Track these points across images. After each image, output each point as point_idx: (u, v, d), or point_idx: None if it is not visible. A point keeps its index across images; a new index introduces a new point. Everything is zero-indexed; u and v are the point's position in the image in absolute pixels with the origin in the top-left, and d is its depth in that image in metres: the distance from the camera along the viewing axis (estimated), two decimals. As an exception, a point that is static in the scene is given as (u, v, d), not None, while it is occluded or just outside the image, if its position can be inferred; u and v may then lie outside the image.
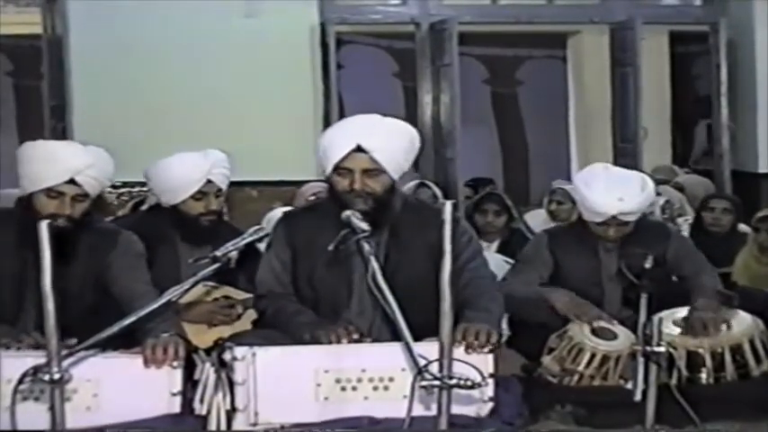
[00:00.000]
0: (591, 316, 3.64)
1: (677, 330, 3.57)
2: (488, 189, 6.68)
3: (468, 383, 2.45)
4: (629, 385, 3.28)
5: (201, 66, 6.77)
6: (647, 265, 3.34)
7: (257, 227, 3.54)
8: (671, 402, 3.21)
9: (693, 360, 3.49)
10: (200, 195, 3.74)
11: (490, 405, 3.05)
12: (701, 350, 3.50)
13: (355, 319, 3.29)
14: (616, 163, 6.64)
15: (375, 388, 3.03)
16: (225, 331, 3.62)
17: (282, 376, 3.01)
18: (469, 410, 3.01)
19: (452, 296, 2.44)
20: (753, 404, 3.38)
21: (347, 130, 3.33)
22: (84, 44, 6.72)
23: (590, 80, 8.41)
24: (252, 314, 3.65)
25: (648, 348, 2.99)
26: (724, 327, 3.57)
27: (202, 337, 3.58)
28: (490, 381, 3.03)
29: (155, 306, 2.80)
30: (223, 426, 2.99)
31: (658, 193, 5.68)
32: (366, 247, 2.84)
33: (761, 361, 3.53)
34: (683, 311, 3.66)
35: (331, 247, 3.02)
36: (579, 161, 8.50)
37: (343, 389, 3.03)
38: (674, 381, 3.37)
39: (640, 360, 3.04)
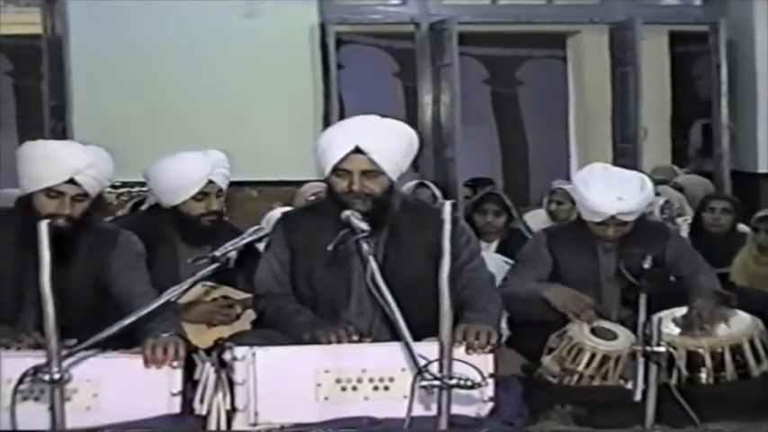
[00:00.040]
0: (586, 312, 3.63)
1: (677, 330, 3.57)
2: (487, 189, 6.68)
3: (468, 383, 2.45)
4: (629, 385, 3.28)
5: (201, 66, 6.77)
6: (646, 265, 3.34)
7: (257, 227, 3.54)
8: (671, 402, 3.20)
9: (693, 360, 3.49)
10: (201, 196, 3.74)
11: (490, 405, 3.06)
12: (700, 350, 3.50)
13: (354, 320, 3.29)
14: (616, 163, 6.64)
15: (375, 388, 3.03)
16: (224, 331, 3.62)
17: (282, 376, 3.01)
18: (469, 410, 3.01)
19: (452, 296, 2.44)
20: (753, 404, 3.37)
21: (346, 132, 3.33)
22: (84, 44, 6.72)
23: (590, 80, 8.41)
24: (251, 314, 3.65)
25: (648, 348, 2.99)
26: (723, 325, 3.58)
27: (202, 337, 3.58)
28: (490, 381, 3.03)
29: (154, 306, 2.80)
30: (223, 426, 2.99)
31: (658, 194, 5.69)
32: (365, 246, 2.84)
33: (761, 361, 3.53)
34: (682, 311, 3.66)
35: (330, 248, 3.02)
36: (579, 161, 8.49)
37: (344, 389, 3.03)
38: (673, 381, 3.37)
39: (640, 360, 3.04)
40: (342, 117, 6.72)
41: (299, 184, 5.76)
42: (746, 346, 3.52)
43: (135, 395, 2.97)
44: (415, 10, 7.55)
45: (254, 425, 2.99)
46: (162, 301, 2.83)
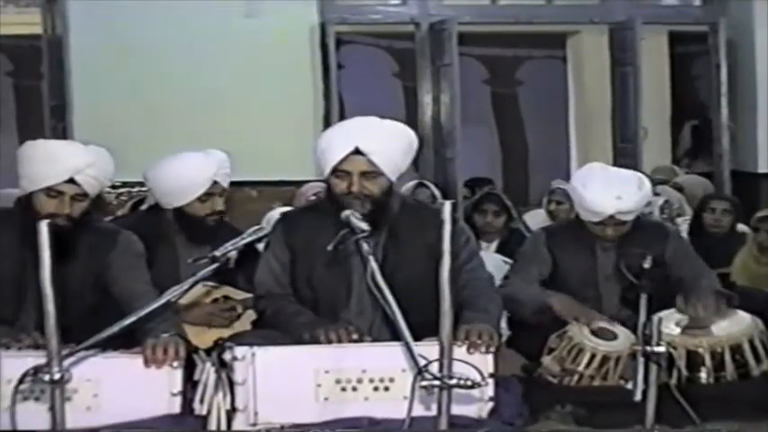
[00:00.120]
0: (589, 319, 3.64)
1: (677, 330, 3.57)
2: (487, 189, 6.68)
3: (468, 383, 2.45)
4: (629, 385, 3.27)
5: (201, 66, 6.77)
6: (646, 265, 3.34)
7: (257, 227, 3.54)
8: (671, 402, 3.20)
9: (693, 360, 3.49)
10: (206, 197, 3.74)
11: (490, 405, 3.06)
12: (700, 350, 3.50)
13: (354, 320, 3.29)
14: (616, 163, 6.66)
15: (375, 388, 3.03)
16: (225, 331, 3.62)
17: (282, 376, 3.01)
18: (469, 410, 3.02)
19: (452, 296, 2.44)
20: (753, 404, 3.37)
21: (345, 133, 3.33)
22: (84, 44, 6.72)
23: (590, 80, 8.41)
24: (251, 314, 3.65)
25: (648, 348, 2.99)
26: (723, 324, 3.57)
27: (202, 337, 3.58)
28: (490, 381, 3.03)
29: (155, 306, 2.80)
30: (223, 426, 2.99)
31: (657, 194, 5.70)
32: (365, 246, 2.84)
33: (761, 361, 3.53)
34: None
35: (330, 248, 3.03)
36: (579, 161, 8.48)
37: (344, 389, 3.03)
38: (673, 380, 3.36)
39: (640, 360, 3.03)
40: (342, 117, 6.74)
41: (299, 184, 5.76)
42: (746, 346, 3.52)
43: (135, 395, 2.97)
44: (415, 10, 7.55)
45: (254, 425, 2.99)
46: (162, 301, 2.83)
